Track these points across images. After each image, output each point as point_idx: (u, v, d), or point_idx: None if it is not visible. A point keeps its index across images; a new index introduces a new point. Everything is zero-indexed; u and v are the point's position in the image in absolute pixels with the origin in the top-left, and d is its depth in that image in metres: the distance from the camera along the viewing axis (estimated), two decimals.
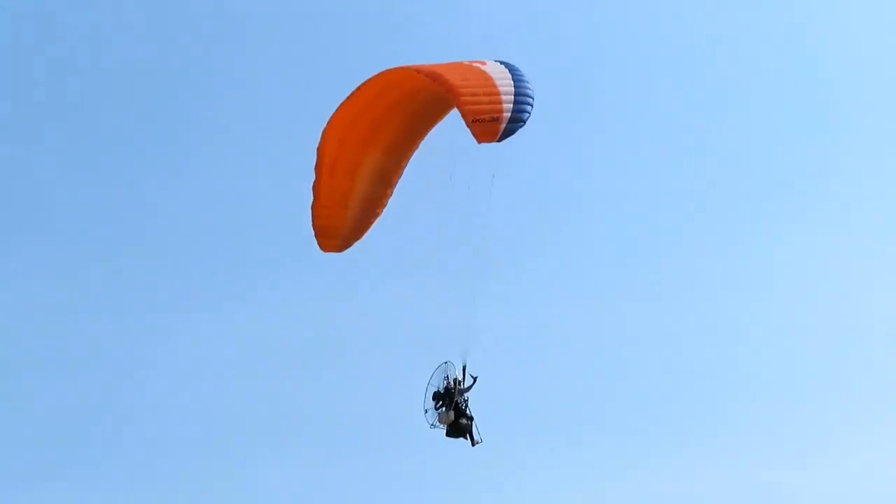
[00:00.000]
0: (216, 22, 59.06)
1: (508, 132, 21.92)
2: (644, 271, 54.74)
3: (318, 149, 25.98)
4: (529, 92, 22.48)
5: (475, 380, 20.51)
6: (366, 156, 26.56)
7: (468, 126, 21.87)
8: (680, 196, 57.55)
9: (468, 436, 20.43)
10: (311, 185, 26.28)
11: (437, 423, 20.26)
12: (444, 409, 20.32)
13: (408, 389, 20.94)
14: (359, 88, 25.03)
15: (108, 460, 48.20)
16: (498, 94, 22.22)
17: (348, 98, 25.32)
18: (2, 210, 54.47)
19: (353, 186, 26.73)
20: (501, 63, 23.60)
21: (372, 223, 26.96)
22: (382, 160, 26.68)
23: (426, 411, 20.33)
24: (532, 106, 22.39)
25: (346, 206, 26.87)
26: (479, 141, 21.78)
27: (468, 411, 20.53)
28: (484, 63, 23.48)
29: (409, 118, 26.11)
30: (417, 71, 23.27)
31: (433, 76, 22.86)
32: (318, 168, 26.09)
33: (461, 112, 21.91)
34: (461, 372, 20.60)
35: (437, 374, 20.85)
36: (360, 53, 55.93)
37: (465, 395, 20.30)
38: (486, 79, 22.58)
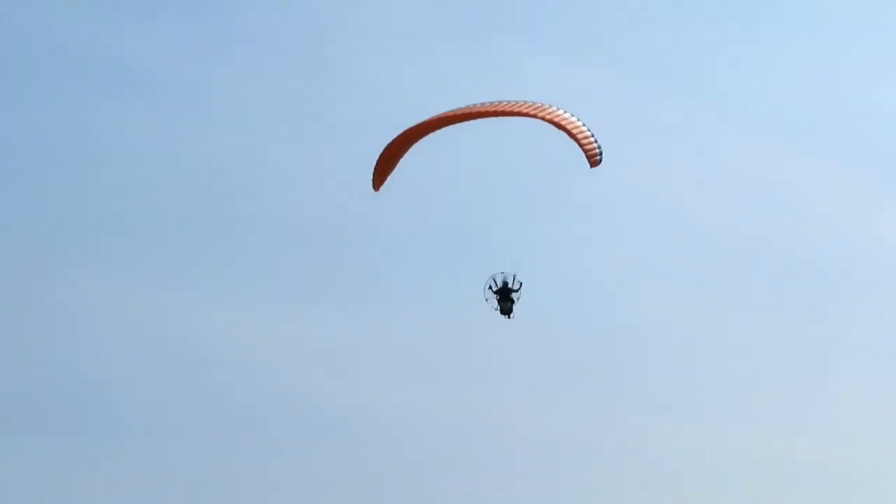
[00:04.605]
0: None
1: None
2: None
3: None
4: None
5: (521, 284, 33.16)
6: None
7: (588, 157, 31.08)
8: None
9: (509, 315, 33.23)
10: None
11: (497, 308, 32.83)
12: (500, 300, 33.18)
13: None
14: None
15: None
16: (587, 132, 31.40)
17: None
18: None
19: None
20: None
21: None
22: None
23: (486, 300, 32.73)
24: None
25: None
26: (592, 167, 31.20)
27: (516, 300, 33.27)
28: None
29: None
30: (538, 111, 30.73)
31: (556, 123, 30.70)
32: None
33: (581, 142, 30.97)
34: (512, 278, 33.17)
35: (493, 277, 33.44)
36: None
37: (517, 293, 33.02)
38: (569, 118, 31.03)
